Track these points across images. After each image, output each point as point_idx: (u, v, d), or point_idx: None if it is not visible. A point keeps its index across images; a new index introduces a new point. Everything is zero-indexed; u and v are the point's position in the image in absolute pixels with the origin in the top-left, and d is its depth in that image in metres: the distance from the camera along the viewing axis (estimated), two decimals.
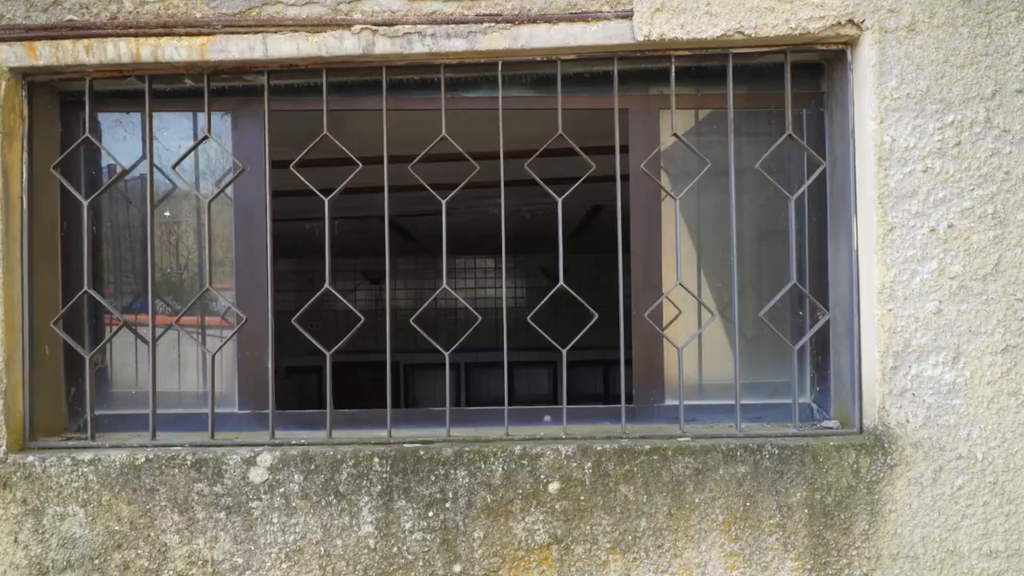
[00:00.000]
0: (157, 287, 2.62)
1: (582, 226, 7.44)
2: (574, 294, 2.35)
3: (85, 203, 2.30)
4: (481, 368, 10.00)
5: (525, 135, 2.88)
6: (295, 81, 2.45)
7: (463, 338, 2.33)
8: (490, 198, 5.64)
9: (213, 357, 2.27)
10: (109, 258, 2.61)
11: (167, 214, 2.59)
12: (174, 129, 2.55)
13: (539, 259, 10.66)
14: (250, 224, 2.48)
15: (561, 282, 2.30)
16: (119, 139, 2.56)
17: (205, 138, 2.30)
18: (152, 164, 2.31)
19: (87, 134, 2.32)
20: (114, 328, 2.49)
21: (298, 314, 2.29)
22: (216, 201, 2.47)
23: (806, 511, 2.17)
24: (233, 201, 2.50)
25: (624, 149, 2.44)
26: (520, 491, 2.16)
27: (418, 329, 2.27)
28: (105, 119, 2.58)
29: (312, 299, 2.31)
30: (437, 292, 2.33)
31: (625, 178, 2.46)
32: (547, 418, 2.50)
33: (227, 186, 2.27)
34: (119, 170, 2.41)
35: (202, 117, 2.48)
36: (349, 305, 2.38)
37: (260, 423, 2.44)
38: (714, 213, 2.59)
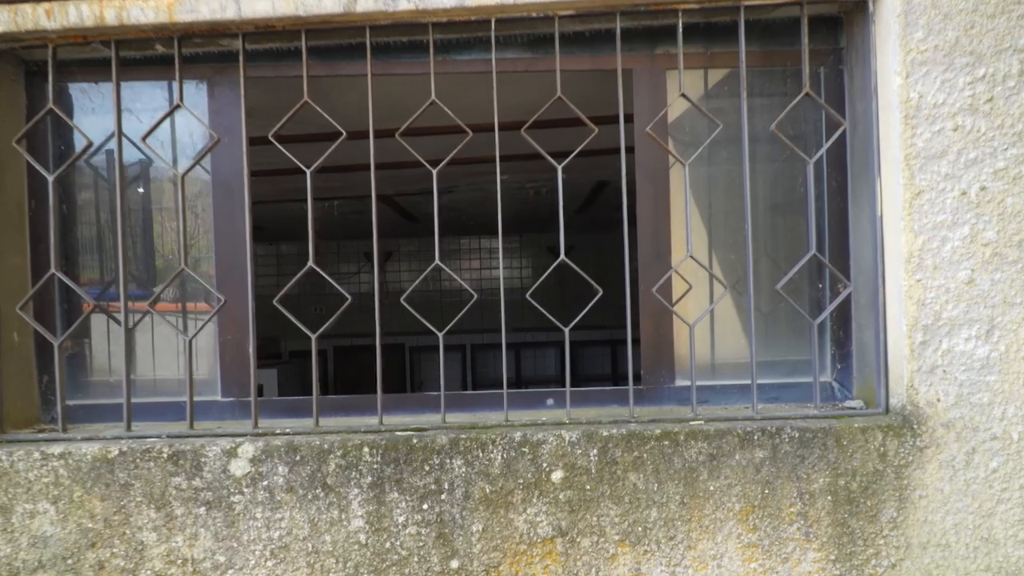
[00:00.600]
0: (142, 269, 2.47)
1: (586, 203, 7.26)
2: (576, 268, 2.19)
3: (51, 179, 2.15)
4: (487, 349, 9.88)
5: (522, 103, 2.71)
6: (273, 45, 2.28)
7: (457, 317, 2.18)
8: (491, 174, 5.46)
9: (191, 342, 2.11)
10: (85, 238, 2.46)
11: (140, 190, 2.43)
12: (147, 99, 2.39)
13: (544, 238, 10.51)
14: (229, 200, 2.32)
15: (562, 256, 2.14)
16: (88, 112, 2.40)
17: (177, 107, 2.14)
18: (121, 136, 2.15)
19: (51, 105, 2.16)
20: (91, 313, 2.34)
21: (280, 294, 2.14)
22: (197, 177, 2.31)
23: (829, 498, 2.01)
24: (211, 176, 2.34)
25: (628, 119, 2.27)
26: (521, 481, 2.01)
27: (409, 308, 2.12)
28: (76, 91, 2.42)
29: (295, 278, 2.15)
30: (428, 269, 2.17)
31: (631, 150, 2.29)
32: (550, 401, 2.34)
33: (201, 158, 2.11)
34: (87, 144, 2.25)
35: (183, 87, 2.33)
36: (335, 284, 2.22)
37: (244, 411, 2.30)
38: (725, 181, 2.42)
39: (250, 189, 2.12)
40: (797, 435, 2.02)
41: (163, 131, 2.40)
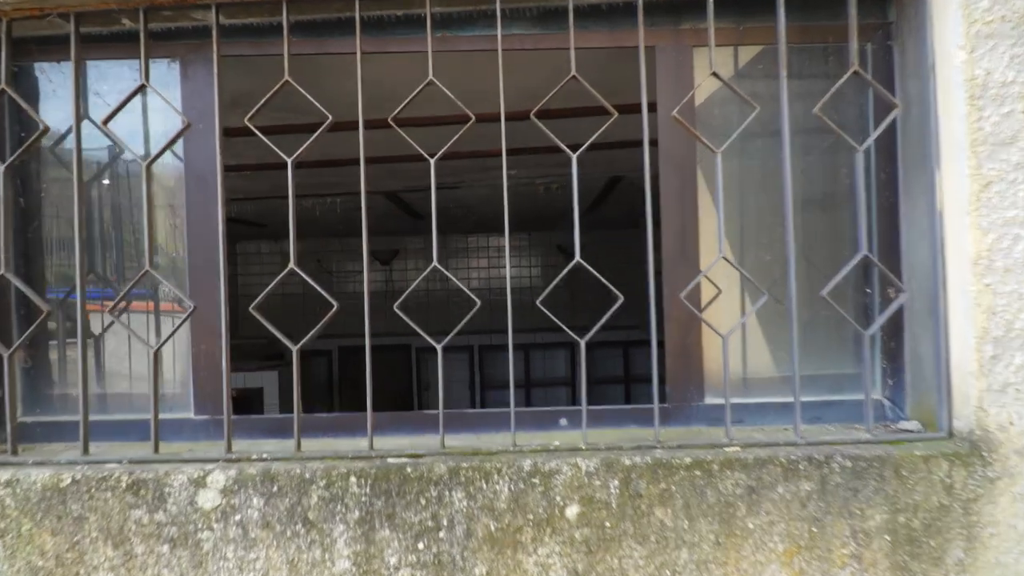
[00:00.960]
0: (112, 270, 2.23)
1: (599, 200, 6.99)
2: (595, 273, 1.93)
3: (1, 168, 1.89)
4: (495, 351, 9.61)
5: (530, 90, 2.44)
6: (253, 20, 2.03)
7: (458, 328, 1.91)
8: (498, 169, 5.16)
9: (155, 354, 1.86)
10: (52, 235, 2.21)
11: (106, 182, 2.18)
12: (114, 80, 2.14)
13: (554, 236, 10.24)
14: (204, 194, 2.07)
15: (578, 258, 1.88)
16: (50, 95, 2.15)
17: (142, 87, 1.88)
18: (80, 120, 1.89)
19: (3, 85, 1.91)
20: (45, 319, 2.10)
21: (259, 298, 1.88)
22: (173, 169, 2.06)
23: (887, 538, 1.74)
24: (184, 166, 2.09)
25: (652, 108, 2.01)
26: (531, 517, 1.75)
27: (401, 315, 1.86)
28: (40, 72, 2.17)
29: (276, 280, 1.89)
30: (427, 271, 1.91)
31: (654, 143, 2.02)
32: (563, 422, 2.08)
33: (169, 145, 1.86)
34: (55, 129, 2.00)
35: (153, 67, 2.08)
36: (320, 289, 1.96)
37: (220, 430, 2.04)
38: (759, 173, 2.16)
39: (224, 181, 1.86)
40: (849, 464, 1.75)
41: (134, 117, 2.15)
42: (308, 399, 8.72)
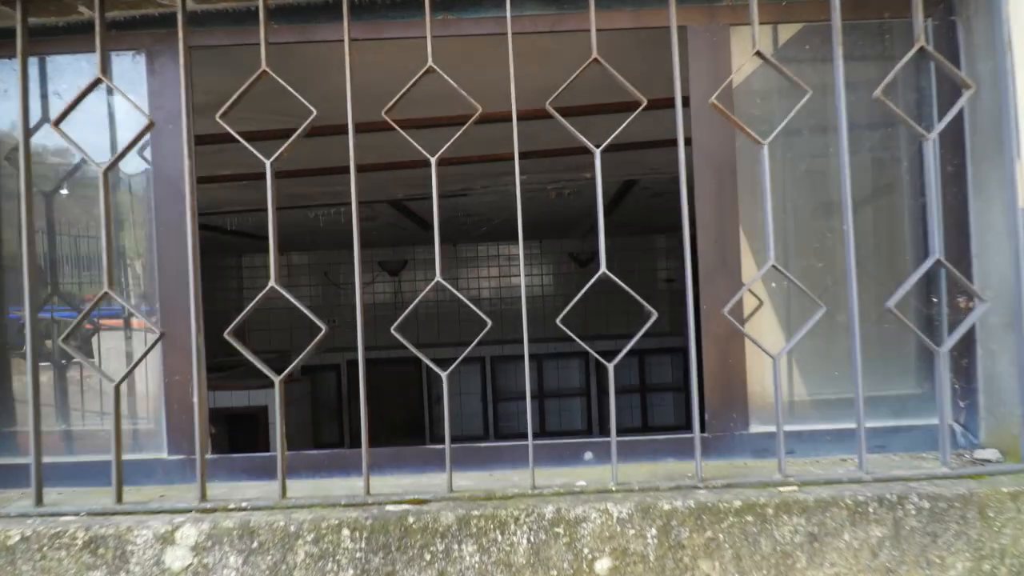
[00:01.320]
0: (77, 287, 1.99)
1: (612, 205, 6.73)
2: (625, 287, 1.67)
3: None
4: (508, 361, 9.36)
5: (544, 86, 2.20)
6: (228, 5, 1.79)
7: (464, 352, 1.66)
8: (508, 174, 4.94)
9: (117, 388, 1.61)
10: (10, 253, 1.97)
11: (64, 192, 1.94)
12: (73, 77, 1.90)
13: (566, 244, 9.99)
14: (176, 203, 1.83)
15: (603, 269, 1.63)
16: (1, 95, 1.92)
17: (98, 81, 1.64)
18: (27, 121, 1.65)
19: None
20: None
21: (238, 320, 1.62)
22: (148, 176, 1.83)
23: None
24: (152, 172, 1.85)
25: (684, 103, 1.75)
26: (555, 573, 1.49)
27: (399, 337, 1.60)
28: None
29: (257, 298, 1.64)
30: (429, 287, 1.66)
31: (688, 143, 1.77)
32: (588, 455, 1.83)
33: (130, 147, 1.61)
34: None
35: (116, 60, 1.85)
36: (302, 307, 1.71)
37: (196, 473, 1.80)
38: (805, 169, 1.90)
39: (194, 187, 1.62)
40: (927, 505, 1.49)
41: (99, 117, 1.91)
42: (316, 417, 8.49)
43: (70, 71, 1.89)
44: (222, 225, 6.09)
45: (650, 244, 9.83)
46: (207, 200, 5.02)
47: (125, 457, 1.75)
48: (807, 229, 1.90)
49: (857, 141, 1.90)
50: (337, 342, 9.87)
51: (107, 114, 1.94)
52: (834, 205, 1.86)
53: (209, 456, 1.80)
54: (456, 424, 9.39)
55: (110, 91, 1.86)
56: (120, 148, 1.84)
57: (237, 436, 7.35)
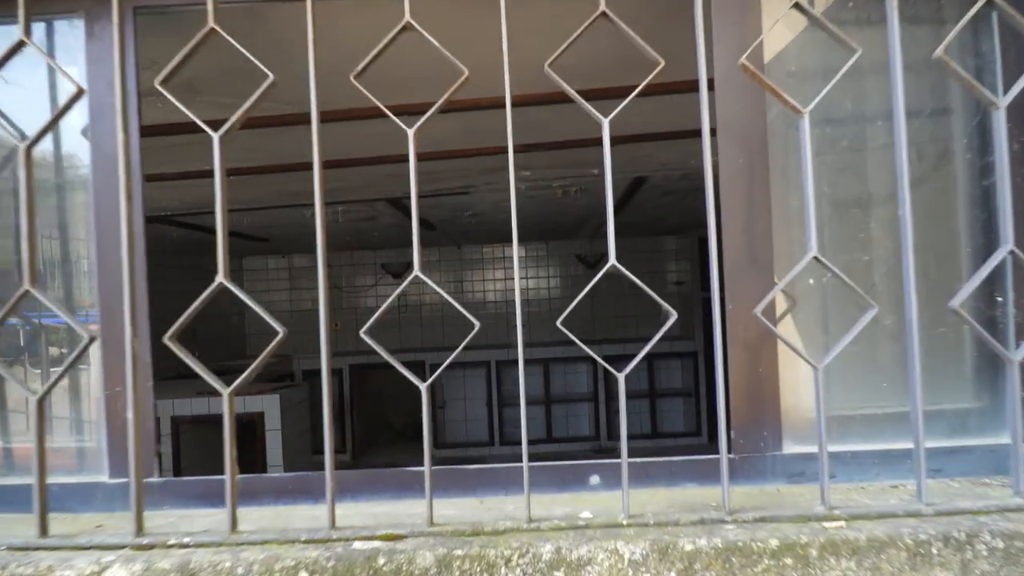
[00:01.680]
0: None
1: (620, 204, 6.48)
2: (636, 280, 1.42)
3: None
4: (514, 365, 9.10)
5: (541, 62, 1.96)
6: None
7: (448, 361, 1.42)
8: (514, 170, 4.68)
9: (40, 402, 1.37)
10: None
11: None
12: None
13: (573, 246, 9.75)
14: (117, 187, 1.58)
15: (613, 260, 1.38)
16: None
17: (22, 44, 1.40)
18: None
19: None
20: None
21: (182, 321, 1.38)
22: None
23: None
24: (91, 151, 1.61)
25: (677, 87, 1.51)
26: None
27: (369, 341, 1.35)
28: None
29: (204, 295, 1.39)
30: (408, 280, 1.41)
31: (714, 135, 1.52)
32: (595, 480, 1.57)
33: (56, 120, 1.37)
34: None
35: (57, 29, 1.62)
36: (262, 312, 1.47)
37: (148, 498, 1.55)
38: (845, 148, 1.65)
39: (130, 168, 1.37)
40: (1001, 545, 1.23)
41: (39, 91, 1.68)
42: (316, 423, 8.24)
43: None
44: (214, 226, 5.86)
45: (659, 246, 9.58)
46: (193, 198, 4.78)
47: (61, 480, 1.52)
48: (847, 218, 1.65)
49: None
50: (340, 346, 9.65)
51: (50, 90, 1.70)
52: (879, 188, 1.61)
53: (155, 480, 1.56)
54: (460, 430, 9.15)
55: (52, 68, 1.63)
56: (72, 129, 1.62)
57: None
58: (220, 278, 1.32)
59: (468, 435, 9.10)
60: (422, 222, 6.86)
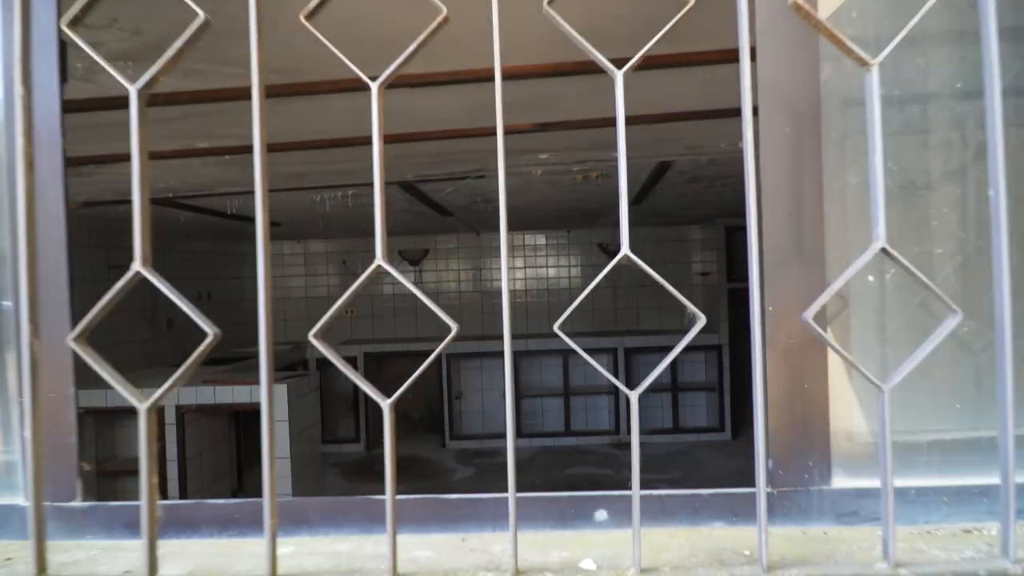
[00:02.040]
0: None
1: (643, 192, 6.19)
2: (660, 280, 1.15)
3: None
4: (532, 356, 8.87)
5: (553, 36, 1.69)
6: None
7: (422, 368, 1.16)
8: (529, 152, 4.42)
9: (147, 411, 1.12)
10: None
11: None
12: None
13: (595, 234, 9.47)
14: (46, 160, 1.34)
15: (626, 249, 1.11)
16: None
17: None
18: None
19: None
20: None
21: (93, 314, 1.13)
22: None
23: None
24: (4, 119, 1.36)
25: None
26: None
27: (316, 344, 1.09)
28: None
29: (120, 282, 1.14)
30: (371, 269, 1.15)
31: (758, 100, 1.24)
32: (601, 515, 1.30)
33: None
34: None
35: None
36: (190, 311, 1.22)
37: (66, 524, 1.32)
38: (909, 123, 1.37)
39: (30, 125, 1.12)
40: None
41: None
42: (326, 414, 8.03)
43: None
44: (221, 209, 5.63)
45: (684, 235, 9.28)
46: (197, 180, 4.55)
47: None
48: (913, 204, 1.36)
49: (937, 98, 1.36)
50: (355, 334, 9.44)
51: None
52: (955, 165, 1.33)
53: (77, 504, 1.31)
54: (479, 421, 8.92)
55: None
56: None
57: (240, 434, 6.92)
58: (137, 266, 1.07)
59: (484, 426, 8.88)
60: (434, 206, 6.61)
